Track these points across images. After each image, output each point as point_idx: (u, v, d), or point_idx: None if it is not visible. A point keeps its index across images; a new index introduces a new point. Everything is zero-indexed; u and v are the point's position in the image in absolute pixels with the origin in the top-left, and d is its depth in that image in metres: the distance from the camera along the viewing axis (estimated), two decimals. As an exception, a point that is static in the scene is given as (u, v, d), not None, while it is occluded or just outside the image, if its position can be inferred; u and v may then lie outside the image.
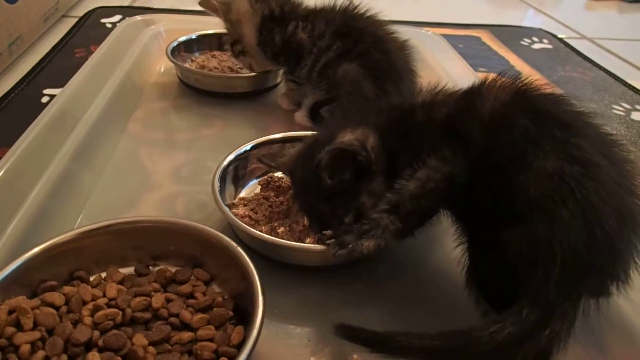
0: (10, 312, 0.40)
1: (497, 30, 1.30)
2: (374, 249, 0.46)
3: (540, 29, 1.34)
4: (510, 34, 1.28)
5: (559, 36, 1.31)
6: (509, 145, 0.42)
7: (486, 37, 1.25)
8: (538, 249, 0.38)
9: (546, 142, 0.40)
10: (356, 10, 0.73)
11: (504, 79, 0.46)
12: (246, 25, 0.77)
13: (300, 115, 0.78)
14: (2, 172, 0.55)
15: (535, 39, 1.28)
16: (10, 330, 0.38)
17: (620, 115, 0.95)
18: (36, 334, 0.38)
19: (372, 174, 0.49)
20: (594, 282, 0.39)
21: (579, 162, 0.39)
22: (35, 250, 0.44)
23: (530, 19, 1.51)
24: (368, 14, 0.73)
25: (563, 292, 0.37)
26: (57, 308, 0.41)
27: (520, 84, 0.46)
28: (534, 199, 0.39)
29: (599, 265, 0.38)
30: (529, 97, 0.45)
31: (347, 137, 0.48)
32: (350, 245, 0.46)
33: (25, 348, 0.37)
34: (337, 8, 0.74)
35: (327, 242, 0.47)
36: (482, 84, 0.47)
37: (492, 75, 0.49)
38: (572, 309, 0.38)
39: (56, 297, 0.42)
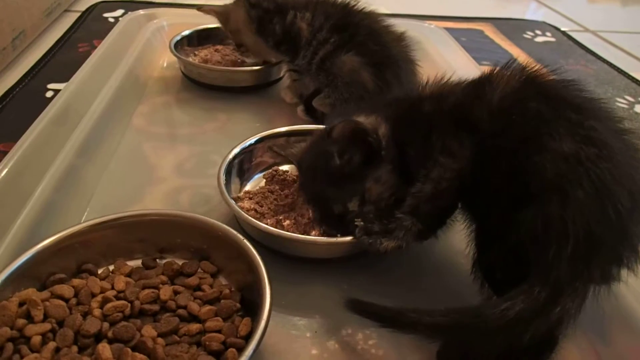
0: (21, 304, 0.40)
1: (500, 23, 1.29)
2: (392, 249, 0.47)
3: (543, 22, 1.34)
4: (513, 27, 1.28)
5: (562, 29, 1.30)
6: (522, 128, 0.42)
7: (489, 31, 1.25)
8: (551, 227, 0.38)
9: (561, 124, 0.41)
10: (354, 5, 0.74)
11: (513, 67, 0.47)
12: (245, 33, 0.79)
13: (301, 110, 0.78)
14: (8, 167, 0.55)
15: (538, 32, 1.27)
16: (21, 322, 0.39)
17: (623, 108, 0.95)
18: (47, 326, 0.39)
19: (380, 160, 0.49)
20: (604, 263, 0.39)
21: (595, 143, 0.39)
22: (44, 243, 0.44)
23: (533, 12, 1.51)
24: (364, 8, 0.74)
25: (575, 271, 0.38)
26: (66, 300, 0.42)
27: (530, 71, 0.46)
28: (550, 179, 0.39)
29: (610, 245, 0.39)
30: (540, 82, 0.45)
31: (361, 119, 0.50)
32: (371, 240, 0.47)
33: (36, 339, 0.38)
34: (337, 2, 0.75)
35: (356, 223, 0.48)
36: (492, 72, 0.48)
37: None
38: (583, 288, 0.39)
39: (65, 290, 0.42)
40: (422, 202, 0.47)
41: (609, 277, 0.40)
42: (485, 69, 0.50)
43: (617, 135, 0.42)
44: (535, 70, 0.46)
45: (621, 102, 0.96)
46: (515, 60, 0.48)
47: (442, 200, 0.47)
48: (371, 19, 0.73)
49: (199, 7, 0.82)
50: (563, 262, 0.37)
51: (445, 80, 0.52)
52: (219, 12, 0.81)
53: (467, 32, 1.22)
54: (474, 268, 0.45)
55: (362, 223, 0.48)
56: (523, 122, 0.43)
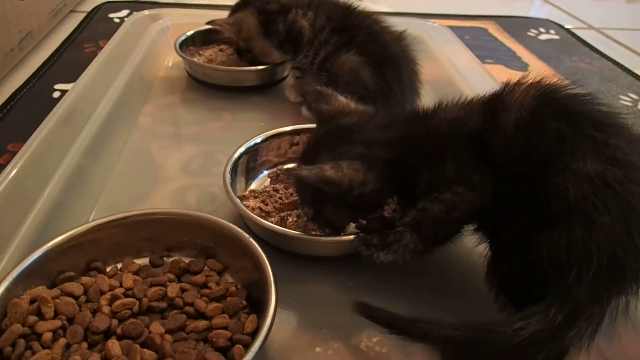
0: (32, 302, 0.41)
1: (503, 21, 1.29)
2: (389, 262, 0.47)
3: (547, 20, 1.34)
4: (516, 25, 1.28)
5: (566, 26, 1.30)
6: (542, 150, 0.41)
7: (492, 28, 1.25)
8: (574, 251, 0.37)
9: (584, 143, 0.39)
10: (355, 7, 0.75)
11: (526, 82, 0.45)
12: (256, 38, 0.80)
13: (305, 109, 0.78)
14: (17, 167, 0.56)
15: (542, 29, 1.27)
16: (32, 319, 0.40)
17: (627, 105, 0.95)
18: (57, 323, 0.40)
19: (340, 205, 0.48)
20: (625, 287, 0.39)
21: (621, 164, 0.38)
22: (53, 242, 0.45)
23: (536, 10, 1.51)
24: (365, 9, 0.75)
25: (594, 296, 0.37)
26: (76, 298, 0.43)
27: (544, 86, 0.44)
28: (574, 202, 0.38)
29: (633, 270, 0.38)
30: (556, 98, 0.43)
31: (340, 172, 0.46)
32: (368, 253, 0.47)
33: (47, 336, 0.39)
34: (339, 3, 0.76)
35: (359, 233, 0.49)
36: (504, 91, 0.45)
37: (499, 67, 0.48)
38: (601, 312, 0.38)
39: (75, 287, 0.43)
40: (428, 222, 0.45)
41: (628, 293, 0.39)
42: (489, 67, 0.49)
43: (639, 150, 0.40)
44: (550, 84, 0.44)
45: (625, 100, 0.96)
46: (528, 73, 0.45)
47: (450, 228, 0.46)
48: (371, 20, 0.74)
49: (209, 22, 0.83)
50: (583, 286, 0.37)
51: (461, 101, 0.49)
52: (231, 24, 0.81)
53: (470, 30, 1.22)
54: (489, 276, 0.45)
55: (361, 235, 0.48)
56: (543, 143, 0.41)
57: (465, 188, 0.44)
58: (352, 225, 0.51)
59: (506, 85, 0.46)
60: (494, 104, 0.45)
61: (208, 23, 0.83)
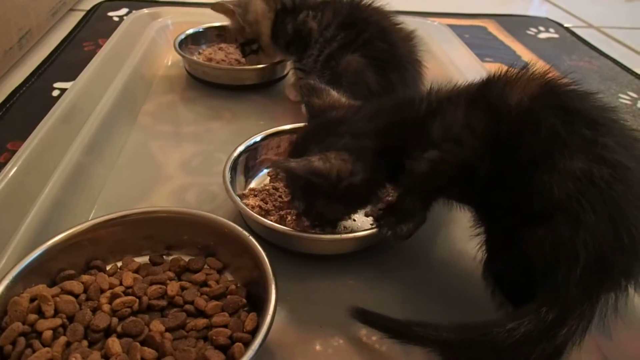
0: (32, 300, 0.41)
1: (503, 19, 1.29)
2: (413, 230, 0.48)
3: (547, 18, 1.34)
4: (516, 24, 1.28)
5: (565, 25, 1.30)
6: (535, 143, 0.41)
7: (492, 27, 1.25)
8: (561, 249, 0.38)
9: (574, 141, 0.39)
10: (363, 1, 0.74)
11: (533, 71, 0.45)
12: (264, 24, 0.79)
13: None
14: (17, 166, 0.56)
15: (541, 28, 1.27)
16: (32, 317, 0.40)
17: (627, 104, 0.95)
18: (57, 321, 0.40)
19: (330, 197, 0.49)
20: (615, 285, 0.39)
21: (608, 163, 0.38)
22: (53, 240, 0.45)
23: (536, 8, 1.51)
24: (374, 4, 0.74)
25: (583, 293, 0.37)
26: (76, 296, 0.43)
27: (549, 79, 0.44)
28: (559, 200, 0.38)
29: (622, 268, 0.38)
30: (559, 92, 0.43)
31: (328, 164, 0.46)
32: (390, 232, 0.48)
33: (47, 334, 0.39)
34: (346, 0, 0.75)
35: (380, 223, 0.49)
36: (507, 72, 0.46)
37: (498, 65, 0.48)
38: (591, 310, 0.38)
39: (75, 286, 0.43)
40: (419, 181, 0.46)
41: (617, 289, 0.40)
42: (488, 65, 0.49)
43: (631, 150, 0.40)
44: (556, 79, 0.44)
45: (624, 99, 0.96)
46: (528, 64, 0.46)
47: (440, 179, 0.46)
48: (380, 15, 0.73)
49: (213, 6, 0.81)
50: (572, 284, 0.37)
51: (455, 83, 0.50)
52: (236, 4, 0.79)
53: (470, 29, 1.22)
54: (485, 274, 0.45)
55: (382, 222, 0.49)
56: (537, 137, 0.41)
57: (455, 143, 0.44)
58: (359, 225, 0.51)
59: (508, 69, 0.46)
60: (496, 84, 0.45)
61: (213, 7, 0.81)
